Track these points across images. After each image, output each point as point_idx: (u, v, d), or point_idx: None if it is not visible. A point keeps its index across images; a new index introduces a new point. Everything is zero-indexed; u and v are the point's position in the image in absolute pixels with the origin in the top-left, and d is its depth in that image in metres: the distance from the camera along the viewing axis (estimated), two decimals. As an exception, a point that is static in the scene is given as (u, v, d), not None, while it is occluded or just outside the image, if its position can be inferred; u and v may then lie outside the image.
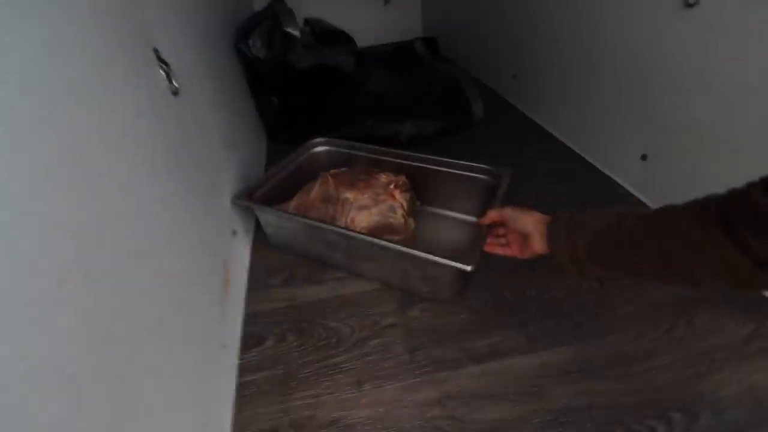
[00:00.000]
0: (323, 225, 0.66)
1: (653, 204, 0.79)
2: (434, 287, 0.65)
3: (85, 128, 0.33)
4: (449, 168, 0.80)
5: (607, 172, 0.91)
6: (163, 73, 0.51)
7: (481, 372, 0.56)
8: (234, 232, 0.72)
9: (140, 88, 0.46)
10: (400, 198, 0.75)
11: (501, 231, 0.60)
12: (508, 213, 0.55)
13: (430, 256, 0.57)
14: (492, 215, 0.58)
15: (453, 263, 0.56)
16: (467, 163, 0.78)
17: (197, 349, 0.49)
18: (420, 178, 0.82)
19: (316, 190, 0.76)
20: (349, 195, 0.73)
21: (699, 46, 0.66)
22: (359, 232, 0.65)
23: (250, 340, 0.63)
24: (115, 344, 0.32)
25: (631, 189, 0.85)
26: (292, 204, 0.76)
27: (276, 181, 0.79)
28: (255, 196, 0.75)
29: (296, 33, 0.94)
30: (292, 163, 0.84)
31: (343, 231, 0.64)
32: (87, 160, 0.33)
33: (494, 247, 0.59)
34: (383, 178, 0.78)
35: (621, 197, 0.85)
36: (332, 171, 0.81)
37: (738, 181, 0.32)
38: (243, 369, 0.59)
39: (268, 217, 0.75)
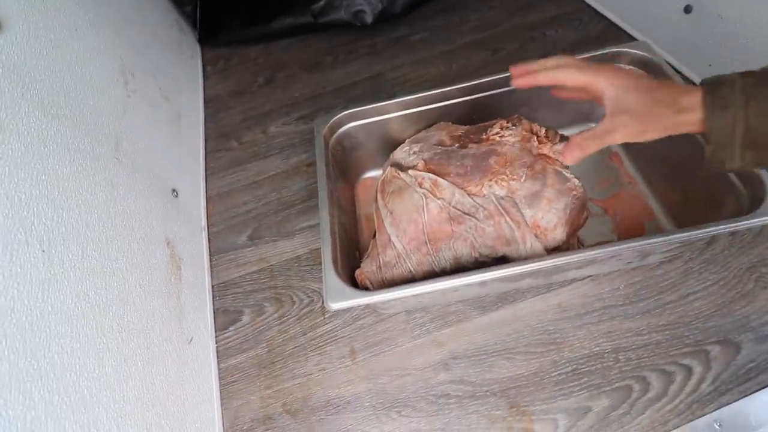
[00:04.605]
0: (530, 265, 0.39)
1: (698, 74, 0.62)
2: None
3: None
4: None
5: (637, 34, 0.70)
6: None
7: (490, 323, 0.49)
8: (174, 192, 0.58)
9: None
10: (553, 152, 0.45)
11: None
12: (605, 88, 0.34)
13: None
14: (561, 77, 0.36)
15: None
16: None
17: (158, 364, 0.41)
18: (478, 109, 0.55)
19: (428, 210, 0.44)
20: (497, 188, 0.43)
21: None
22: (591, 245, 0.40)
23: (224, 318, 0.55)
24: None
25: (667, 55, 0.65)
26: (399, 248, 0.45)
27: (337, 226, 0.48)
28: (361, 274, 0.47)
29: None
30: (327, 188, 0.49)
31: (572, 257, 0.39)
32: None
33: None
34: (504, 135, 0.47)
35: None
36: (408, 163, 0.49)
37: None
38: (222, 353, 0.52)
39: (414, 294, 0.41)
